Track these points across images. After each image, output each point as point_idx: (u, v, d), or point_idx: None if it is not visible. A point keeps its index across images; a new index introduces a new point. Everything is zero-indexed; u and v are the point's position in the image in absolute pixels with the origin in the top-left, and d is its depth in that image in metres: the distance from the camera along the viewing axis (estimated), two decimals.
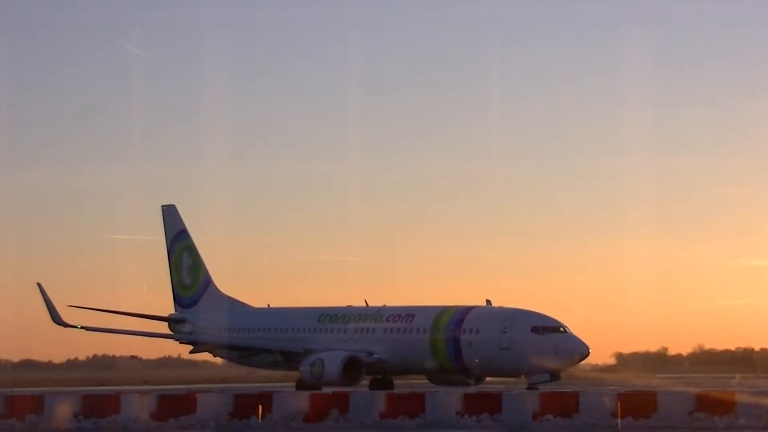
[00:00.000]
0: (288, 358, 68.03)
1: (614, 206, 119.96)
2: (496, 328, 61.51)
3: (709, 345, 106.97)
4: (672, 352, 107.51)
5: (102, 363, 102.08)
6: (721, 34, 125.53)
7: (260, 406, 38.29)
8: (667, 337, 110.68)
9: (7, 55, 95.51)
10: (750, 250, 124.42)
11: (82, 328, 67.72)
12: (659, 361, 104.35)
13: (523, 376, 61.10)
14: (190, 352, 75.09)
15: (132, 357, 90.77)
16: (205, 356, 77.33)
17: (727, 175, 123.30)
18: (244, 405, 38.64)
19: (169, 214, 78.27)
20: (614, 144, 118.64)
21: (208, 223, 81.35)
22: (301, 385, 64.31)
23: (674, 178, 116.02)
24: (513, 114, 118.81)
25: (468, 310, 64.01)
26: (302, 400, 39.11)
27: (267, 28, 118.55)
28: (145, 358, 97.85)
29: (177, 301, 77.78)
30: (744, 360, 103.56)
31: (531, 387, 57.24)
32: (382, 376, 67.36)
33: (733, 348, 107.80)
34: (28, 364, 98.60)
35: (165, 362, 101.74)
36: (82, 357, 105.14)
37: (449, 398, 38.74)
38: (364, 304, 69.90)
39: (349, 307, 70.17)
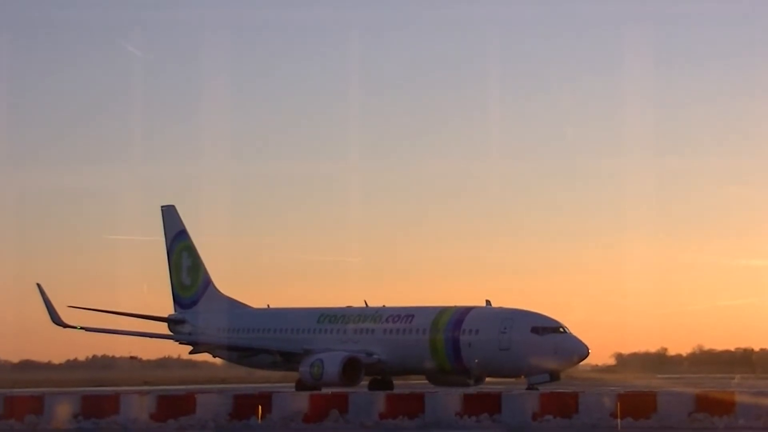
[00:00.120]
0: (287, 359, 68.00)
1: (614, 206, 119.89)
2: (495, 328, 61.47)
3: (708, 345, 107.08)
4: (672, 352, 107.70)
5: (101, 363, 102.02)
6: (721, 34, 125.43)
7: (260, 407, 38.31)
8: (666, 337, 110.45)
9: (7, 55, 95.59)
10: (750, 250, 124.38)
11: (81, 328, 67.66)
12: (659, 361, 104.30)
13: (522, 376, 61.09)
14: (190, 353, 75.08)
15: (131, 357, 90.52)
16: (205, 357, 77.34)
17: (727, 175, 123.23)
18: (244, 405, 38.66)
19: (169, 214, 78.27)
20: (614, 144, 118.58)
21: (208, 224, 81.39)
22: (300, 386, 64.29)
23: (674, 178, 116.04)
24: (513, 114, 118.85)
25: (467, 310, 63.96)
26: (302, 401, 39.12)
27: (267, 28, 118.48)
28: (144, 358, 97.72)
29: (176, 301, 77.78)
30: (744, 360, 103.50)
31: (531, 387, 57.20)
32: (381, 376, 67.32)
33: (732, 348, 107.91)
34: (27, 365, 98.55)
35: (164, 363, 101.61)
36: (81, 357, 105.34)
37: (449, 399, 38.74)
38: (364, 305, 69.89)
39: (349, 307, 70.13)
